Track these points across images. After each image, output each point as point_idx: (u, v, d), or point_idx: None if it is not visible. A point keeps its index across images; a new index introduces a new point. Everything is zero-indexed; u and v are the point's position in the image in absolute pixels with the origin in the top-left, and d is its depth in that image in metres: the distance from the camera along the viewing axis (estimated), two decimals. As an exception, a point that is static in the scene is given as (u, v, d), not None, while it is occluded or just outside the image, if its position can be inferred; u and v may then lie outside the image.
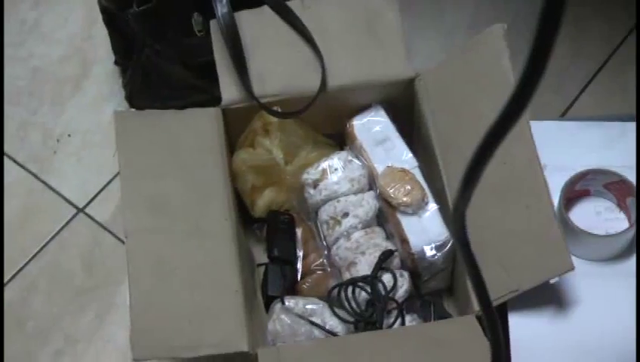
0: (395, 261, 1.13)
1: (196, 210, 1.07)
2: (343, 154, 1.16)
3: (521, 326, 1.03)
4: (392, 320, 1.09)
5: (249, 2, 1.17)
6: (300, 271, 1.18)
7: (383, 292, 1.09)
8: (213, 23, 1.16)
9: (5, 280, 1.27)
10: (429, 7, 1.45)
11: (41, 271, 1.28)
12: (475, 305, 1.01)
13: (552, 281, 0.98)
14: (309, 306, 1.09)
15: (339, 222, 1.14)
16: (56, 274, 1.28)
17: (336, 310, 1.09)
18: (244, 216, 1.20)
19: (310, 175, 1.15)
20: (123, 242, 1.03)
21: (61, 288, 1.27)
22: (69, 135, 1.38)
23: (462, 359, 0.98)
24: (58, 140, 1.37)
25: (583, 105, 1.35)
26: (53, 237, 1.30)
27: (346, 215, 1.13)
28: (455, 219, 0.52)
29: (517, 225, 1.02)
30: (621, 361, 1.03)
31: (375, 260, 1.10)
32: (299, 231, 1.19)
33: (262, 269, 1.19)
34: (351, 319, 1.09)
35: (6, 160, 1.36)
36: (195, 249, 1.05)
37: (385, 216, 1.15)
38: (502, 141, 0.45)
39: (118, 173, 1.09)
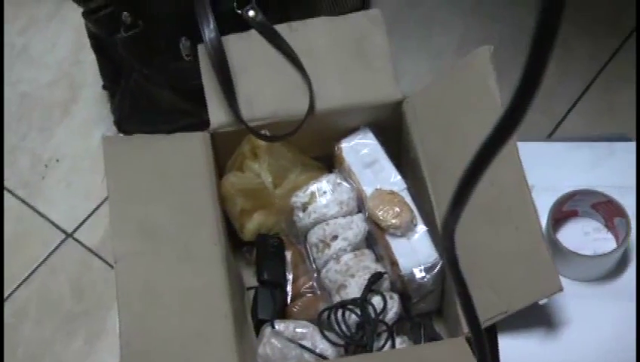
0: (385, 283, 1.13)
1: (185, 234, 1.07)
2: (332, 177, 1.16)
3: (511, 348, 1.03)
4: (382, 342, 1.08)
5: (236, 26, 1.18)
6: (290, 294, 1.17)
7: (373, 315, 1.09)
8: (200, 48, 1.16)
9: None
10: (417, 29, 1.46)
11: (30, 296, 1.28)
12: (465, 327, 1.01)
13: (541, 302, 0.98)
14: (299, 330, 1.09)
15: (328, 245, 1.14)
16: (46, 299, 1.27)
17: (327, 333, 1.09)
18: (234, 240, 1.20)
19: (299, 198, 1.16)
20: (112, 267, 1.03)
21: (51, 313, 1.26)
22: (58, 160, 1.38)
23: (452, 381, 0.98)
24: (46, 165, 1.37)
25: (571, 125, 1.36)
26: (42, 263, 1.30)
27: (335, 238, 1.13)
28: (445, 236, 0.52)
29: (506, 246, 1.02)
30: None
31: (365, 283, 1.10)
32: (288, 254, 1.19)
33: (252, 293, 1.18)
34: (341, 342, 1.08)
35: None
36: (184, 273, 1.05)
37: (374, 239, 1.15)
38: (495, 157, 0.45)
39: (107, 198, 1.08)
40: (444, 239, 0.53)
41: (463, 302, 0.57)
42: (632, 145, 1.18)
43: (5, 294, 1.28)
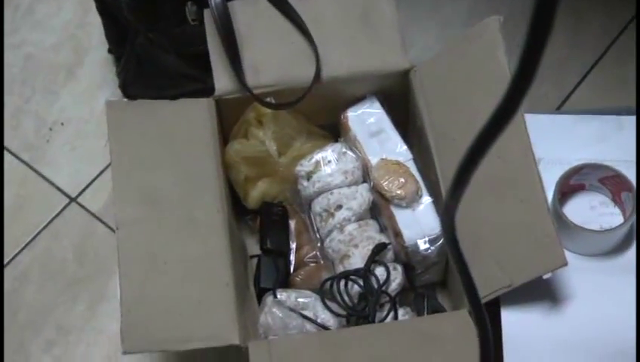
0: (389, 254, 1.12)
1: (188, 201, 1.06)
2: (337, 146, 1.15)
3: (514, 322, 1.02)
4: (384, 313, 1.08)
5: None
6: (293, 263, 1.17)
7: (376, 286, 1.08)
8: (206, 12, 1.15)
9: (-3, 268, 1.27)
10: (426, -2, 1.44)
11: (33, 260, 1.27)
12: (468, 300, 1.01)
13: (545, 276, 0.97)
14: (301, 299, 1.09)
15: (332, 215, 1.13)
16: (49, 264, 1.27)
17: (329, 303, 1.08)
18: (237, 208, 1.19)
19: (304, 167, 1.15)
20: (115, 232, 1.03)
21: (53, 278, 1.26)
22: (62, 123, 1.37)
23: (453, 354, 0.98)
24: (51, 129, 1.36)
25: (581, 97, 1.34)
26: (45, 227, 1.29)
27: (339, 207, 1.13)
28: (445, 218, 0.52)
29: (511, 219, 1.01)
30: (615, 356, 1.02)
31: (368, 253, 1.10)
32: (292, 223, 1.19)
33: (255, 261, 1.18)
34: (343, 312, 1.08)
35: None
36: (186, 241, 1.04)
37: (379, 209, 1.15)
38: (494, 143, 0.44)
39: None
40: (444, 220, 0.52)
41: (464, 282, 0.56)
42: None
43: (8, 258, 1.27)
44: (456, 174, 0.47)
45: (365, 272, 1.09)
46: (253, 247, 1.21)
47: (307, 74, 1.12)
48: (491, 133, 0.44)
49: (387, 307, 1.08)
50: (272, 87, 1.13)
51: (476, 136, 0.44)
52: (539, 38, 0.39)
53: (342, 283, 1.09)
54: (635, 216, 1.05)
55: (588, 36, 1.39)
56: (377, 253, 1.10)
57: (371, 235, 1.12)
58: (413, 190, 1.10)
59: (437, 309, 1.14)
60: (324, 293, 1.09)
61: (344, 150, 1.15)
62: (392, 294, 1.09)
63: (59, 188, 1.32)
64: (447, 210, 0.50)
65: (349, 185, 1.13)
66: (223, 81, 1.13)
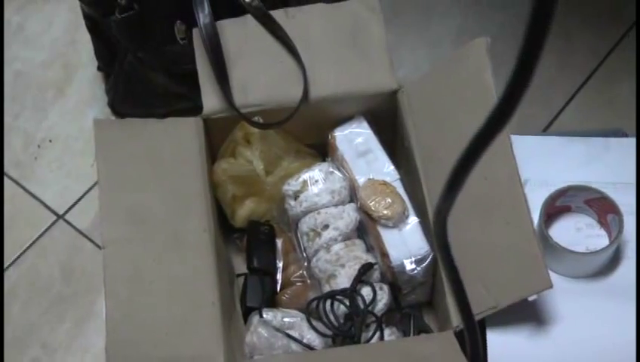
0: (375, 274, 1.12)
1: (175, 220, 1.06)
2: (325, 165, 1.16)
3: (500, 343, 1.02)
4: (370, 334, 1.08)
5: (232, 11, 1.16)
6: (280, 282, 1.17)
7: (362, 306, 1.08)
8: (195, 32, 1.15)
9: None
10: (415, 17, 1.45)
11: (19, 277, 1.27)
12: (455, 320, 1.01)
13: (530, 299, 0.97)
14: (287, 319, 1.08)
15: (319, 234, 1.13)
16: (35, 281, 1.27)
17: (315, 323, 1.08)
18: (225, 226, 1.19)
19: (291, 186, 1.15)
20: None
21: (40, 295, 1.26)
22: (51, 140, 1.37)
23: (439, 376, 0.98)
24: (39, 146, 1.36)
25: (568, 118, 1.35)
26: (32, 244, 1.29)
27: (326, 227, 1.13)
28: (437, 222, 0.52)
29: (496, 240, 1.01)
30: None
31: (355, 273, 1.10)
32: (279, 242, 1.19)
33: (241, 280, 1.18)
34: (329, 332, 1.08)
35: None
36: (173, 260, 1.04)
37: (365, 229, 1.15)
38: (491, 143, 0.45)
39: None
40: (436, 225, 0.53)
41: (455, 290, 0.56)
42: (628, 140, 1.17)
43: (-5, 274, 1.27)
44: (453, 173, 0.48)
45: (351, 292, 1.09)
46: (240, 266, 1.21)
47: (295, 93, 1.13)
48: (479, 146, 0.44)
49: (373, 327, 1.08)
50: (259, 106, 1.13)
51: (464, 149, 0.45)
52: (529, 61, 0.39)
53: (328, 302, 1.09)
54: (620, 239, 1.06)
55: (576, 57, 1.39)
56: (364, 273, 1.10)
57: (358, 255, 1.12)
58: (400, 210, 1.10)
59: (423, 330, 1.14)
60: (311, 313, 1.09)
61: (331, 170, 1.15)
62: (379, 314, 1.09)
63: (46, 206, 1.32)
64: (440, 208, 0.51)
65: (336, 205, 1.14)
66: (211, 100, 1.13)
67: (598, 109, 1.35)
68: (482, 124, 0.44)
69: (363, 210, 1.12)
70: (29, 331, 1.23)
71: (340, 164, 1.16)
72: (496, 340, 1.02)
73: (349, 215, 1.13)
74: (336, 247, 1.12)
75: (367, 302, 1.08)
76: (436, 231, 0.53)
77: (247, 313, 1.12)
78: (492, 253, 1.01)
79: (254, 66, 1.15)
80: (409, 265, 1.09)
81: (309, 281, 1.16)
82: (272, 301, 1.15)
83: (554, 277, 0.97)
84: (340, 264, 1.11)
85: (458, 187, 0.48)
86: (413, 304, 1.16)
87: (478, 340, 0.60)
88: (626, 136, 1.19)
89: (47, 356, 1.22)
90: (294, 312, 1.10)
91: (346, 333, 1.07)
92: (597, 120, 1.34)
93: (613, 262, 1.08)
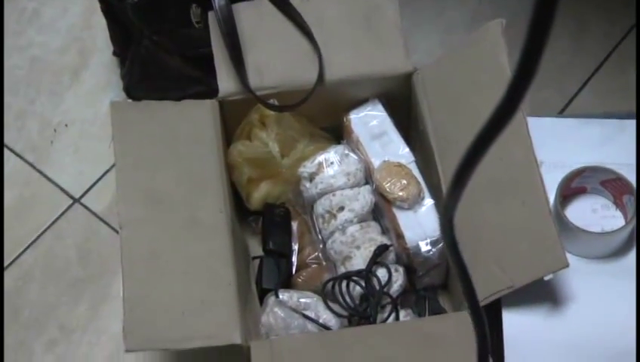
0: (391, 256, 1.12)
1: (191, 202, 1.07)
2: (340, 148, 1.16)
3: (515, 323, 1.02)
4: (385, 314, 1.08)
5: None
6: (295, 264, 1.17)
7: (378, 287, 1.08)
8: (211, 15, 1.15)
9: (0, 268, 1.27)
10: (430, 3, 1.45)
11: (36, 260, 1.28)
12: (469, 302, 1.01)
13: (546, 278, 0.97)
14: (302, 300, 1.09)
15: (334, 216, 1.13)
16: (52, 263, 1.28)
17: (330, 304, 1.09)
18: (240, 209, 1.20)
19: (306, 168, 1.15)
20: (118, 233, 1.03)
21: (56, 278, 1.27)
22: (67, 125, 1.37)
23: (454, 355, 0.98)
24: (55, 130, 1.37)
25: (583, 102, 1.35)
26: (49, 227, 1.30)
27: (341, 209, 1.13)
28: (443, 220, 0.52)
29: (512, 221, 1.01)
30: (615, 358, 1.02)
31: (370, 254, 1.10)
32: (294, 225, 1.19)
33: (257, 262, 1.18)
34: (345, 313, 1.08)
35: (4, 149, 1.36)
36: (189, 241, 1.05)
37: (381, 211, 1.15)
38: (493, 143, 0.44)
39: (114, 164, 1.08)
40: (442, 222, 0.52)
41: (463, 285, 0.56)
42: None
43: (12, 258, 1.28)
44: (457, 172, 0.47)
45: (367, 273, 1.09)
46: (256, 249, 1.21)
47: (310, 76, 1.13)
48: (491, 132, 0.44)
49: (388, 308, 1.09)
50: (275, 89, 1.14)
51: (476, 136, 0.44)
52: (539, 36, 0.39)
53: (344, 284, 1.09)
54: (635, 219, 1.06)
55: (590, 42, 1.39)
56: (379, 255, 1.10)
57: (373, 237, 1.12)
58: (415, 192, 1.10)
59: (438, 311, 1.14)
60: (326, 294, 1.10)
61: (347, 152, 1.15)
62: (394, 295, 1.09)
63: (63, 189, 1.33)
64: (445, 210, 0.50)
65: (351, 187, 1.14)
66: (226, 82, 1.14)
67: (612, 94, 1.35)
68: (489, 116, 0.43)
69: (378, 192, 1.12)
70: (47, 313, 1.24)
71: (355, 147, 1.16)
72: (512, 320, 1.02)
73: (364, 197, 1.13)
74: (352, 229, 1.13)
75: (383, 283, 1.09)
76: (443, 230, 0.52)
77: (262, 295, 1.13)
78: (508, 234, 1.01)
79: (270, 49, 1.16)
80: (424, 247, 1.09)
81: (324, 263, 1.16)
82: (287, 283, 1.15)
83: (569, 258, 0.96)
84: (355, 246, 1.12)
85: (466, 179, 0.47)
86: (428, 286, 1.16)
87: (484, 324, 0.60)
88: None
89: (64, 337, 1.22)
90: (310, 293, 1.11)
91: (361, 314, 1.08)
92: (611, 104, 1.33)
93: (628, 242, 1.08)
